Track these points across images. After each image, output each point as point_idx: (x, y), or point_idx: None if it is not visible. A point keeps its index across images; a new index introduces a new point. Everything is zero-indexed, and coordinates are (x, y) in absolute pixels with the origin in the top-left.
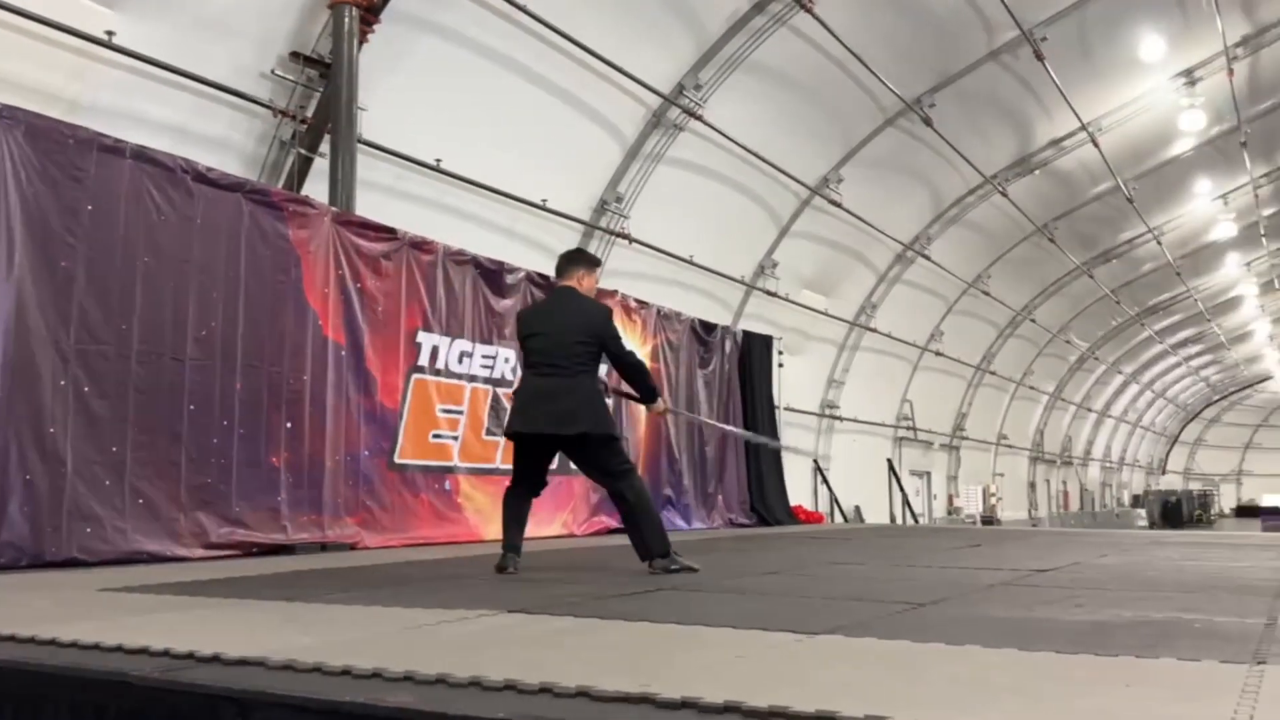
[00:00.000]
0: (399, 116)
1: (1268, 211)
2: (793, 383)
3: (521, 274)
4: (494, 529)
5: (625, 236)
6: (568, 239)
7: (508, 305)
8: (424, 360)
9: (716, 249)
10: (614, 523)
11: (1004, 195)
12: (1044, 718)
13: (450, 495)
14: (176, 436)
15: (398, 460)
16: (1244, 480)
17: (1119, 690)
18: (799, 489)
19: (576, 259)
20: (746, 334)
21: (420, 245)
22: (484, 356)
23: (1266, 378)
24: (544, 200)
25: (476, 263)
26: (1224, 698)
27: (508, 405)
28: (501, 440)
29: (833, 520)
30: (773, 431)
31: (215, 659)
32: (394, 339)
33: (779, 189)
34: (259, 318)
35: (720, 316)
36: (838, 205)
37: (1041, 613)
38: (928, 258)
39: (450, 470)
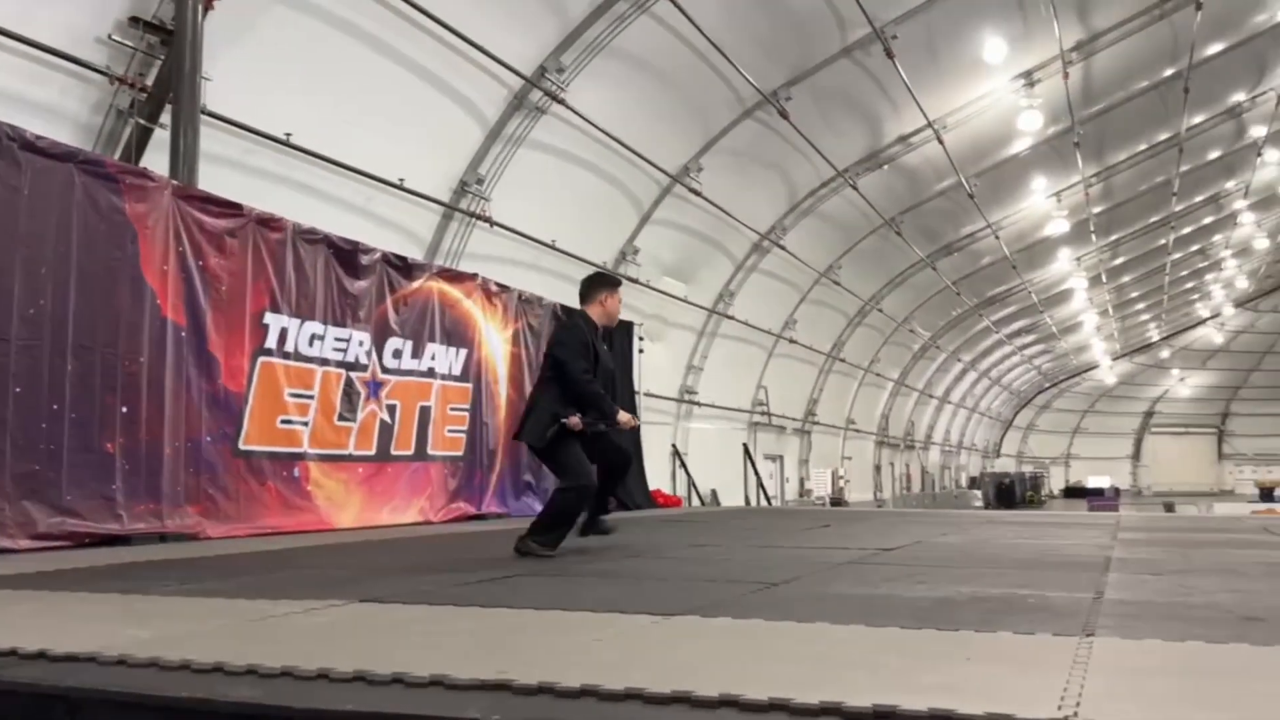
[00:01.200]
0: (247, 88)
1: (1097, 209)
2: (653, 368)
3: (377, 254)
4: (346, 517)
5: (486, 219)
6: (426, 220)
7: (362, 286)
8: (271, 342)
9: (579, 234)
10: (473, 509)
11: (854, 189)
12: (890, 692)
13: (299, 483)
14: (0, 421)
15: (243, 446)
16: (1072, 463)
17: (961, 665)
18: (658, 473)
19: (593, 284)
20: None
21: (268, 222)
22: (337, 339)
23: (1093, 366)
24: (401, 180)
25: (329, 242)
26: (1057, 669)
27: (361, 390)
28: (355, 426)
29: (690, 503)
30: (633, 414)
31: (41, 655)
32: (239, 320)
33: (641, 176)
34: (92, 296)
35: None
36: (698, 194)
37: (887, 589)
38: (783, 248)
39: (300, 457)
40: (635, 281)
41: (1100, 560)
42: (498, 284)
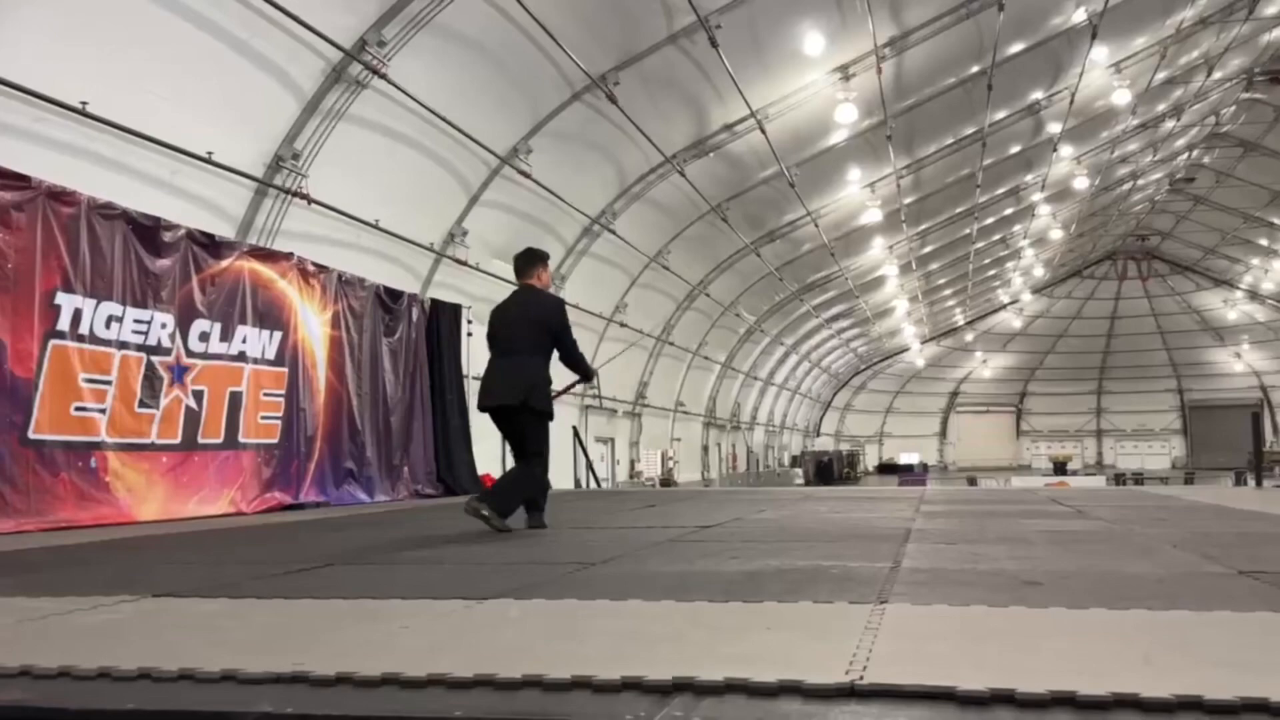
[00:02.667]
0: (37, 52)
1: (908, 200)
2: (482, 352)
3: (181, 231)
4: (149, 509)
5: (304, 196)
6: (237, 195)
7: (165, 265)
8: (64, 324)
9: (404, 214)
10: (288, 498)
11: (682, 175)
12: (692, 664)
13: (96, 474)
14: None
15: (32, 435)
16: (885, 441)
17: (761, 634)
18: (487, 457)
19: (532, 259)
20: (435, 302)
21: (60, 196)
22: (136, 321)
23: (904, 349)
24: (210, 153)
25: (128, 217)
26: (849, 635)
27: (164, 375)
28: (158, 413)
29: None
30: (461, 402)
31: None
32: (27, 300)
33: (469, 156)
34: None
35: (408, 284)
36: (527, 176)
37: (701, 565)
38: (613, 232)
39: (97, 446)
40: (464, 264)
41: (902, 532)
42: (315, 264)
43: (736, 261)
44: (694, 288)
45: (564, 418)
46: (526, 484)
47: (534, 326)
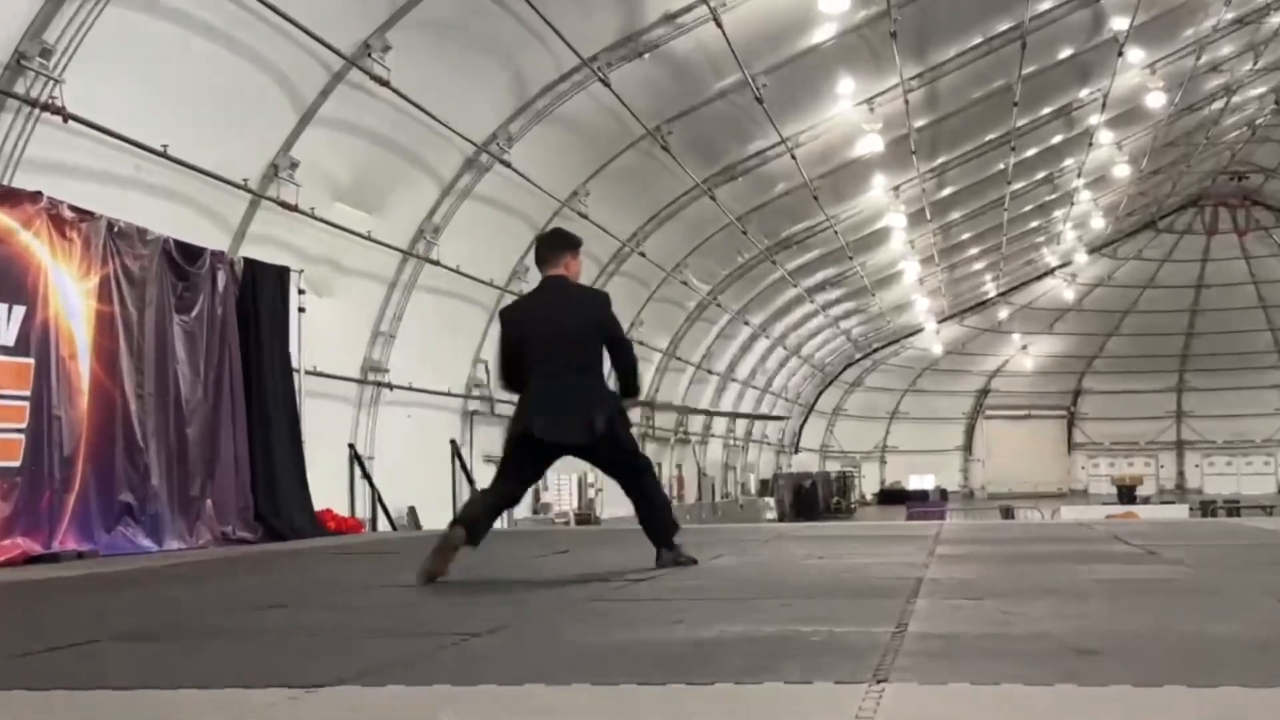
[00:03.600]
0: None
1: (919, 123)
2: (322, 335)
3: None
4: None
5: (57, 110)
6: None
7: None
8: None
9: (207, 138)
10: (36, 547)
11: (606, 85)
12: None
13: None
14: None
15: None
16: (889, 458)
17: None
18: (329, 488)
19: (559, 243)
20: (251, 264)
21: None
22: None
23: (916, 330)
24: None
25: None
26: None
27: None
28: None
29: (377, 527)
30: (290, 407)
31: None
32: None
33: (301, 56)
34: None
35: (212, 237)
36: (384, 84)
37: (631, 634)
38: (509, 165)
39: None
40: (294, 209)
41: (910, 584)
42: (75, 209)
43: (683, 208)
44: (623, 245)
45: (442, 428)
46: (665, 507)
47: (584, 331)
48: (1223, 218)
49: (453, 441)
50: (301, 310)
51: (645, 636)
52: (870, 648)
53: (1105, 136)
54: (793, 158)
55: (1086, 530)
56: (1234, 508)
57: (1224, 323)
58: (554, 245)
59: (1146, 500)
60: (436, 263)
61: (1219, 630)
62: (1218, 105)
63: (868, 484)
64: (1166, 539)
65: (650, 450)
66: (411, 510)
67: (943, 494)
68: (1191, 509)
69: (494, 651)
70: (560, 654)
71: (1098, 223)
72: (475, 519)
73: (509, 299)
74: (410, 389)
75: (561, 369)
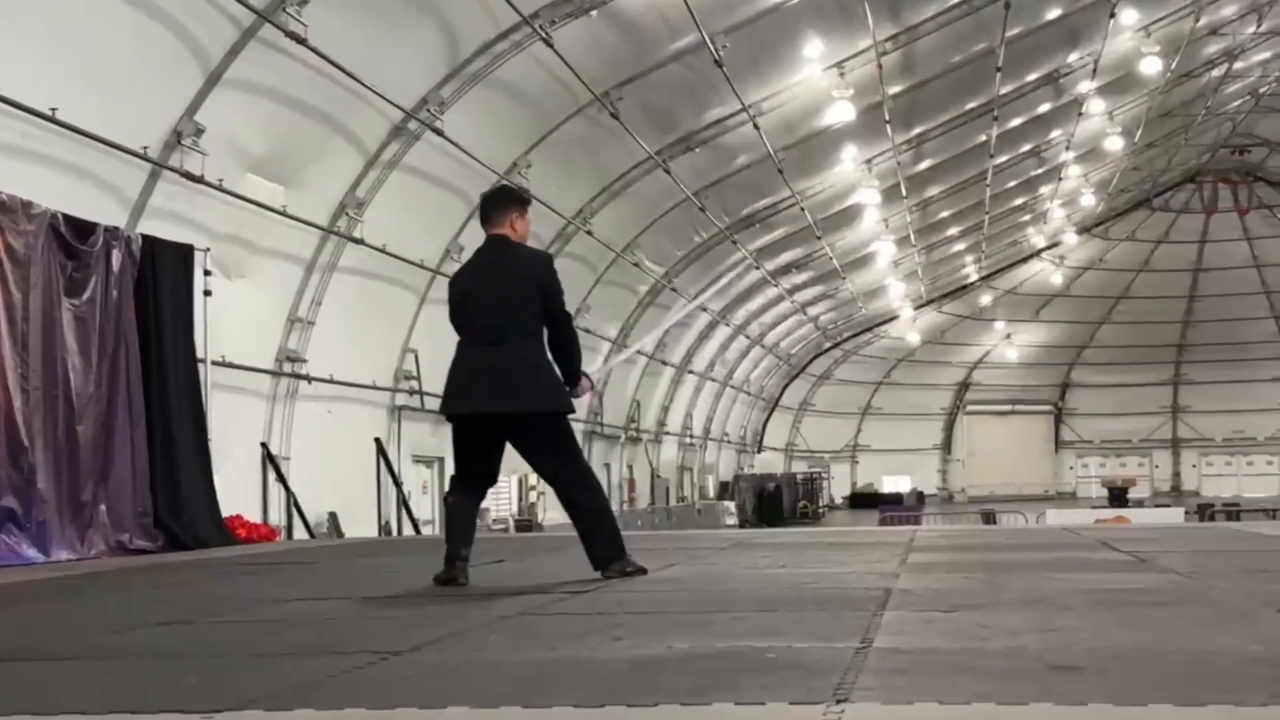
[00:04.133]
0: None
1: (894, 89)
2: (231, 321)
3: None
4: None
5: None
6: None
7: None
8: None
9: (101, 100)
10: None
11: (548, 43)
12: None
13: None
14: None
15: None
16: (860, 458)
17: None
18: (239, 491)
19: (503, 200)
20: (150, 241)
21: None
22: None
23: (890, 318)
24: None
25: None
26: None
27: None
28: None
29: (293, 535)
30: (195, 401)
31: None
32: None
33: (206, 9)
34: None
35: (106, 212)
36: (301, 41)
37: (568, 650)
38: (441, 133)
39: None
40: (198, 180)
41: (878, 594)
42: None
43: (634, 182)
44: (568, 222)
45: (366, 425)
46: (607, 514)
47: (518, 294)
48: (1223, 195)
49: (378, 440)
50: (208, 293)
51: (583, 654)
52: (831, 665)
53: (1096, 106)
54: (755, 127)
55: (1072, 537)
56: (1234, 511)
57: (1224, 310)
58: (498, 202)
59: (1140, 503)
60: (360, 241)
61: (1212, 644)
62: (1218, 72)
63: (837, 486)
64: (1158, 546)
65: (598, 450)
66: (332, 516)
67: (919, 497)
68: (1188, 513)
69: (415, 671)
70: (488, 673)
71: (1088, 200)
72: (455, 550)
73: (441, 282)
74: (331, 381)
75: (493, 334)
